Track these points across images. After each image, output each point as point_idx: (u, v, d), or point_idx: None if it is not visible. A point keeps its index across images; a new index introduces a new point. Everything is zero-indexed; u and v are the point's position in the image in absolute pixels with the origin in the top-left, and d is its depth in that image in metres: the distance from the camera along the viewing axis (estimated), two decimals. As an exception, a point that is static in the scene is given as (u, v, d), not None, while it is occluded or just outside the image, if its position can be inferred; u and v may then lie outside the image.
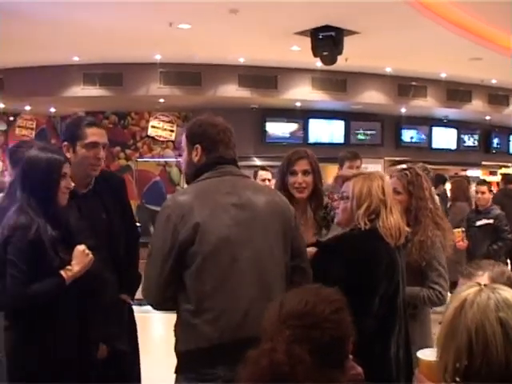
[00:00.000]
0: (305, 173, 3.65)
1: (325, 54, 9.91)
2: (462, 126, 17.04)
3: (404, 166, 4.42)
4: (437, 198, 4.47)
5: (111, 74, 12.88)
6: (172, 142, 15.13)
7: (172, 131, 14.96)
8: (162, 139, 15.05)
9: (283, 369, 1.69)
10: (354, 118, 15.19)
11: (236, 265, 2.70)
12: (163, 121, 14.97)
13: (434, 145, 16.53)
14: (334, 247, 3.29)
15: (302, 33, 10.06)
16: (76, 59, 12.39)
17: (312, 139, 14.71)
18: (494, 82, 14.89)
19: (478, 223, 7.44)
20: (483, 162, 17.73)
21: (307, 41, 10.17)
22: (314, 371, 1.69)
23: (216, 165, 2.86)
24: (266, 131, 14.63)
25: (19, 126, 16.15)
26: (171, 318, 2.92)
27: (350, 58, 11.00)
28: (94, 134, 3.39)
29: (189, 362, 2.69)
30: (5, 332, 3.23)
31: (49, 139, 16.11)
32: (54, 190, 3.12)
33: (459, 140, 17.10)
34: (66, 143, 3.42)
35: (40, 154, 3.16)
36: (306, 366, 1.68)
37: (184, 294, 2.70)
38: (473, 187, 9.03)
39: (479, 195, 7.49)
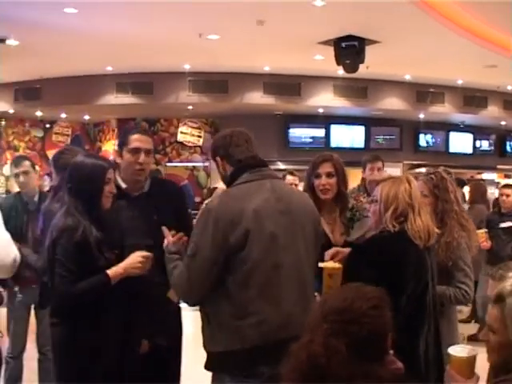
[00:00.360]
0: (328, 175, 3.68)
1: (347, 62, 9.91)
2: (477, 131, 16.97)
3: (424, 169, 4.42)
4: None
5: (142, 83, 12.99)
6: (199, 147, 15.21)
7: (200, 137, 15.05)
8: (190, 144, 15.15)
9: (320, 360, 1.71)
10: (373, 124, 15.19)
11: (280, 270, 2.72)
12: (191, 127, 15.06)
13: (451, 149, 16.49)
14: (365, 249, 3.30)
15: (326, 42, 10.10)
16: (109, 69, 12.52)
17: (334, 144, 14.73)
18: (509, 88, 14.79)
19: (502, 225, 7.36)
20: (498, 166, 17.60)
21: (330, 50, 10.21)
22: (350, 364, 1.71)
23: (248, 168, 2.89)
24: (289, 136, 14.64)
25: (56, 133, 16.34)
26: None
27: (371, 66, 10.99)
28: (136, 140, 3.43)
29: (229, 361, 2.69)
30: (52, 328, 3.27)
31: (83, 145, 16.28)
32: (98, 194, 3.16)
33: (475, 144, 17.04)
34: (117, 149, 3.51)
35: (86, 160, 3.24)
36: (343, 358, 1.70)
37: (225, 297, 2.70)
38: (489, 190, 8.97)
39: (504, 198, 7.41)
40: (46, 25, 9.38)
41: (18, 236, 3.70)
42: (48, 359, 5.06)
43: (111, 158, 15.66)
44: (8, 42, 10.08)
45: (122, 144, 3.46)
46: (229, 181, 2.93)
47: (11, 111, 14.75)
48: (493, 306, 1.99)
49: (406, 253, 3.19)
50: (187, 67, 12.26)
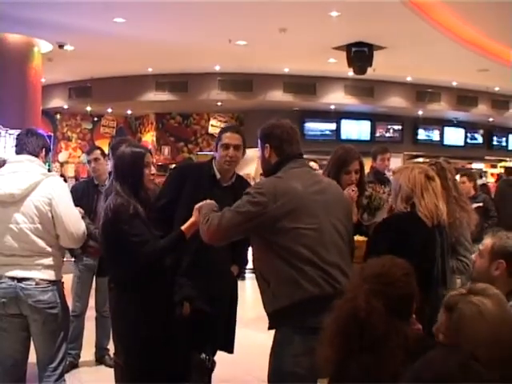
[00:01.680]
0: (356, 172, 3.68)
1: (357, 65, 9.89)
2: (468, 127, 16.88)
3: (421, 159, 4.42)
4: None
5: (178, 82, 13.04)
6: (227, 138, 15.22)
7: (227, 129, 15.08)
8: (216, 135, 15.13)
9: (361, 314, 1.74)
10: (378, 119, 15.15)
11: (324, 236, 2.73)
12: (220, 120, 15.10)
13: (445, 142, 16.43)
14: (381, 227, 3.33)
15: (339, 48, 10.09)
16: (150, 70, 12.58)
17: (343, 136, 14.70)
18: (496, 89, 14.69)
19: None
20: (486, 157, 17.54)
21: (342, 54, 10.20)
22: (385, 320, 1.75)
23: (293, 158, 2.90)
24: (305, 130, 14.64)
25: (103, 125, 16.47)
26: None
27: (377, 68, 10.95)
28: (226, 138, 3.48)
29: (292, 314, 2.66)
30: (110, 292, 3.34)
31: (126, 136, 16.42)
32: (140, 177, 3.19)
33: (466, 138, 16.96)
34: (215, 144, 3.57)
35: (125, 150, 3.25)
36: (380, 314, 1.74)
37: (280, 260, 2.68)
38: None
39: (461, 184, 7.34)
40: (98, 32, 9.47)
41: (89, 213, 3.77)
42: (104, 317, 5.22)
43: (149, 147, 15.86)
44: (65, 47, 10.18)
45: (218, 141, 3.51)
46: (272, 169, 2.90)
47: (65, 107, 14.89)
48: (443, 312, 1.96)
49: (413, 229, 3.20)
50: (217, 68, 12.28)
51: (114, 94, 13.37)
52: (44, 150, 3.59)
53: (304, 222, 2.69)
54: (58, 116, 16.12)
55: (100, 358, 5.21)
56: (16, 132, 8.61)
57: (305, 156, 9.61)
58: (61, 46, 10.17)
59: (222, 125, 15.00)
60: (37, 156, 3.51)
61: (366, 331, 1.74)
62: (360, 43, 9.71)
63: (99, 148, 5.45)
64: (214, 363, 3.43)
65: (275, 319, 2.76)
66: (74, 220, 3.41)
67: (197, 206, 3.00)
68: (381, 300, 1.78)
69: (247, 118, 14.63)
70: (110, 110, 15.65)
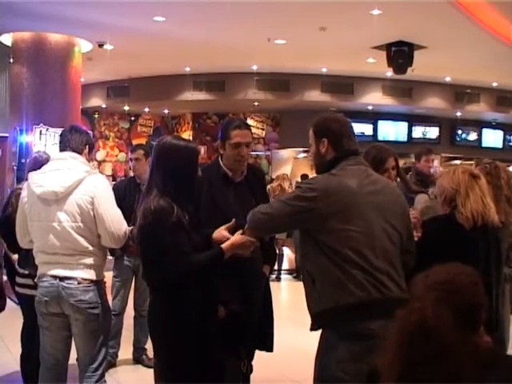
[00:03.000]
0: (393, 168, 3.58)
1: (398, 64, 9.67)
2: (507, 128, 16.47)
3: (458, 162, 4.26)
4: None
5: (215, 82, 12.97)
6: (263, 138, 15.14)
7: (263, 129, 14.99)
8: (254, 136, 15.07)
9: (429, 324, 1.62)
10: (416, 120, 14.89)
11: (374, 240, 2.58)
12: (256, 120, 14.99)
13: (483, 144, 16.04)
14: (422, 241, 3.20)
15: (378, 47, 9.88)
16: (187, 70, 12.53)
17: (380, 137, 14.45)
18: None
19: None
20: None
21: (381, 54, 9.99)
22: (454, 330, 1.62)
23: (349, 156, 2.77)
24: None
25: (140, 125, 16.49)
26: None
27: (416, 68, 10.72)
28: (237, 136, 3.32)
29: (336, 317, 2.55)
30: (150, 294, 3.20)
31: (162, 135, 16.45)
32: (192, 177, 2.84)
33: (505, 140, 16.55)
34: (219, 141, 3.41)
35: (174, 141, 2.88)
36: (449, 323, 1.62)
37: (327, 260, 2.56)
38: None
39: None
40: (137, 31, 9.45)
41: (130, 212, 3.64)
42: (142, 317, 5.16)
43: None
44: (105, 46, 10.19)
45: (224, 138, 3.31)
46: (327, 165, 2.73)
47: (103, 106, 14.97)
48: None
49: (447, 233, 3.05)
50: (255, 68, 12.17)
51: (151, 93, 13.38)
52: (87, 146, 3.51)
53: (354, 224, 2.55)
54: (96, 115, 16.21)
55: (137, 358, 5.16)
56: (57, 130, 8.69)
57: None
58: (100, 45, 10.18)
59: (259, 124, 14.91)
60: (80, 153, 3.43)
61: (433, 341, 1.61)
62: (400, 42, 9.48)
63: (142, 147, 5.38)
64: (250, 368, 3.30)
65: (319, 321, 2.65)
66: (115, 220, 3.31)
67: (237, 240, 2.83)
68: (448, 308, 1.65)
69: (283, 117, 14.50)
70: (147, 110, 15.67)
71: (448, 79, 13.02)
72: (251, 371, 3.30)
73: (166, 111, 15.96)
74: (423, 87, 13.32)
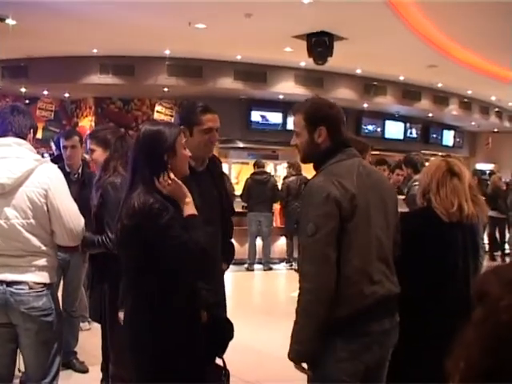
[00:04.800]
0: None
1: (320, 52, 9.62)
2: (408, 120, 17.10)
3: None
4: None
5: (124, 65, 12.38)
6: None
7: (172, 116, 14.51)
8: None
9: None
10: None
11: (372, 241, 2.47)
12: (166, 107, 14.50)
13: (387, 135, 16.56)
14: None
15: (298, 36, 9.81)
16: (95, 51, 11.85)
17: (289, 126, 14.41)
18: (439, 85, 14.92)
19: None
20: (422, 151, 17.84)
21: (300, 43, 9.95)
22: None
23: (344, 148, 2.57)
24: (251, 118, 14.31)
25: (40, 108, 15.37)
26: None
27: (332, 59, 10.77)
28: (209, 121, 3.06)
29: (336, 325, 2.40)
30: (126, 303, 2.91)
31: (61, 120, 15.61)
32: (176, 161, 2.57)
33: (406, 131, 17.18)
34: (182, 127, 3.07)
35: (159, 127, 2.62)
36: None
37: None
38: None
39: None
40: (45, 7, 8.74)
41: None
42: (72, 317, 4.88)
43: (87, 132, 15.09)
44: (7, 21, 9.36)
45: (193, 123, 3.04)
46: (322, 156, 2.54)
47: (-4, 87, 13.88)
48: None
49: (425, 224, 3.04)
50: (167, 53, 11.73)
51: (53, 74, 12.49)
52: (32, 131, 3.09)
53: (356, 228, 2.42)
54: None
55: (67, 363, 4.76)
56: None
57: (249, 145, 9.74)
58: (2, 20, 9.33)
59: (167, 111, 14.45)
60: (24, 138, 3.01)
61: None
62: (322, 33, 9.44)
63: (77, 133, 4.97)
64: (228, 375, 3.07)
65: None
66: (73, 214, 2.95)
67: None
68: None
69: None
70: (46, 92, 14.73)
71: (359, 71, 13.23)
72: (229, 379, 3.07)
73: (67, 95, 15.08)
74: (335, 78, 13.43)
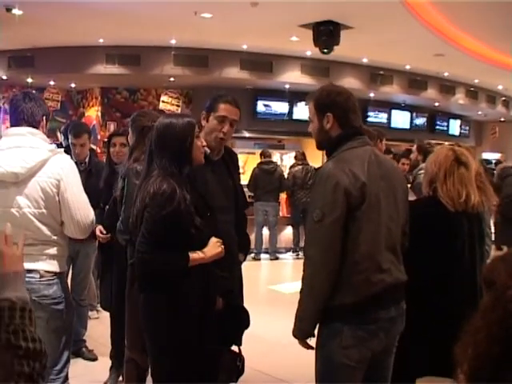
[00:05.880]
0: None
1: (326, 41, 9.59)
2: (414, 110, 17.04)
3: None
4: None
5: (130, 55, 12.34)
6: (178, 115, 14.71)
7: (178, 106, 14.49)
8: (169, 112, 14.61)
9: None
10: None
11: (381, 228, 2.49)
12: (172, 96, 14.49)
13: (393, 124, 16.51)
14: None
15: (305, 25, 9.77)
16: (101, 41, 11.85)
17: (296, 116, 14.44)
18: (446, 74, 14.86)
19: None
20: (428, 141, 17.78)
21: (306, 32, 9.92)
22: None
23: (354, 135, 2.59)
24: (257, 108, 14.30)
25: (46, 99, 15.41)
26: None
27: (338, 48, 10.72)
28: (224, 110, 3.09)
29: (343, 312, 2.45)
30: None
31: (68, 111, 15.61)
32: (190, 151, 2.70)
33: (412, 121, 17.13)
34: (204, 112, 3.14)
35: (173, 120, 2.74)
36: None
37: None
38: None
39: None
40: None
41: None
42: (81, 306, 4.91)
43: (94, 122, 15.14)
44: (13, 11, 9.36)
45: (211, 109, 3.10)
46: (333, 143, 2.58)
47: (4, 77, 13.90)
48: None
49: (432, 214, 3.06)
50: (173, 42, 11.71)
51: (59, 64, 12.47)
52: (45, 118, 3.11)
53: (366, 216, 2.45)
54: (-5, 87, 15.08)
55: (77, 351, 4.81)
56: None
57: (255, 135, 9.78)
58: (8, 10, 9.33)
59: (174, 101, 14.46)
60: (37, 127, 3.02)
61: None
62: (329, 22, 9.41)
63: (87, 129, 5.01)
64: (243, 362, 3.11)
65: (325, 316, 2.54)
66: (82, 207, 2.97)
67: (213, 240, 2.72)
68: None
69: (197, 94, 14.11)
70: (52, 83, 14.74)
71: (365, 60, 13.19)
72: (244, 366, 3.12)
73: (73, 85, 15.09)
74: (341, 67, 13.37)
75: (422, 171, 4.59)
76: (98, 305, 5.42)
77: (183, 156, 2.68)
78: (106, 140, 12.38)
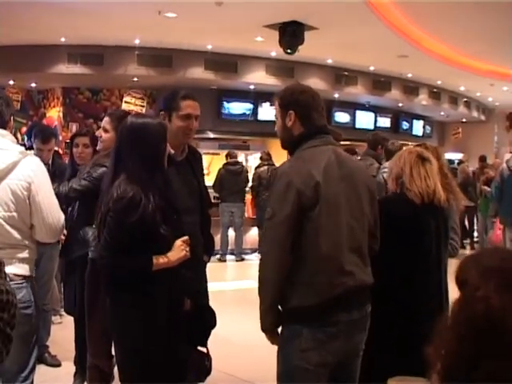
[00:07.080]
0: None
1: (291, 42, 9.64)
2: (378, 110, 17.23)
3: None
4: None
5: (93, 55, 12.16)
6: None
7: (143, 106, 14.38)
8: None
9: (496, 314, 1.51)
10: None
11: (342, 230, 2.50)
12: (135, 97, 14.36)
13: (357, 125, 16.67)
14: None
15: (270, 26, 9.80)
16: (63, 40, 11.66)
17: (260, 117, 14.46)
18: (409, 76, 15.07)
19: None
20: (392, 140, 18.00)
21: (271, 33, 9.95)
22: None
23: (316, 134, 2.60)
24: (223, 109, 14.26)
25: (5, 98, 15.14)
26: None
27: (303, 49, 10.77)
28: (188, 107, 3.07)
29: (304, 314, 2.45)
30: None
31: (28, 111, 15.34)
32: (163, 157, 2.69)
33: (376, 121, 17.32)
34: (162, 113, 3.10)
35: (148, 120, 2.71)
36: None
37: (296, 257, 2.44)
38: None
39: None
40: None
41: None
42: (44, 311, 4.80)
43: (55, 123, 14.91)
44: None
45: (172, 108, 3.06)
46: (295, 141, 2.59)
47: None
48: None
49: (399, 211, 3.12)
50: (137, 42, 11.61)
51: (19, 63, 12.22)
52: (12, 118, 3.05)
53: (325, 216, 2.44)
54: None
55: (39, 357, 4.70)
56: None
57: (220, 135, 9.77)
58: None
59: (137, 101, 14.32)
60: (5, 128, 2.97)
61: (499, 334, 1.50)
62: (293, 22, 9.45)
63: (53, 133, 4.95)
64: (211, 361, 3.11)
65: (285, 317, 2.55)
66: (53, 210, 2.94)
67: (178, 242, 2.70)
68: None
69: (160, 95, 13.98)
70: (11, 82, 14.46)
71: (330, 61, 13.29)
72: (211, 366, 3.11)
73: (33, 85, 14.83)
74: (305, 68, 13.42)
75: (385, 169, 4.66)
76: (62, 309, 5.33)
77: (155, 161, 2.66)
78: (68, 141, 12.10)
